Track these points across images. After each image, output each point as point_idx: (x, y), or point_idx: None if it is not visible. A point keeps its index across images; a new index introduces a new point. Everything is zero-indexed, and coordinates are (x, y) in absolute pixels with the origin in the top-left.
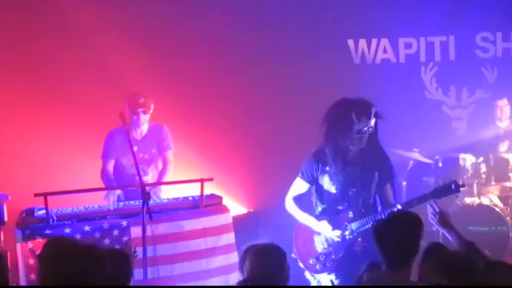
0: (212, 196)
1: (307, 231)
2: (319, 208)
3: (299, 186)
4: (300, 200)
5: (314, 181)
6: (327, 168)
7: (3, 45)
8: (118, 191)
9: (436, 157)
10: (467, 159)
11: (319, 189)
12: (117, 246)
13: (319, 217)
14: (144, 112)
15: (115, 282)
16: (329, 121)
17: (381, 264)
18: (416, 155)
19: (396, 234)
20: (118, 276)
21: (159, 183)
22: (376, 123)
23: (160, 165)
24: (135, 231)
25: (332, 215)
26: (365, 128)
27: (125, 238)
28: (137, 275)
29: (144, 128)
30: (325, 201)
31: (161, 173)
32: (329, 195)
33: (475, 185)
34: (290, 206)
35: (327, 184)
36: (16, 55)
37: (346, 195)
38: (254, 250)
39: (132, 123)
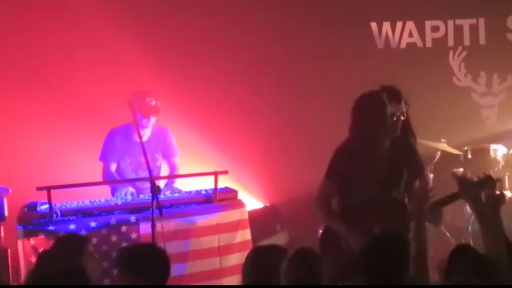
0: (226, 189)
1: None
2: (345, 207)
3: (328, 188)
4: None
5: (341, 180)
6: (355, 165)
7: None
8: (131, 189)
9: (465, 148)
10: (498, 150)
11: (346, 187)
12: (124, 243)
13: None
14: (155, 116)
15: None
16: (358, 112)
17: None
18: (444, 146)
19: (380, 262)
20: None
21: (170, 176)
22: (406, 112)
23: (164, 170)
24: (144, 227)
25: (360, 217)
26: (398, 112)
27: (133, 235)
28: None
29: (148, 130)
30: (353, 200)
31: (169, 180)
32: (356, 194)
33: (506, 178)
34: (321, 210)
35: (355, 182)
36: (16, 44)
37: (375, 194)
38: (290, 257)
39: (139, 125)
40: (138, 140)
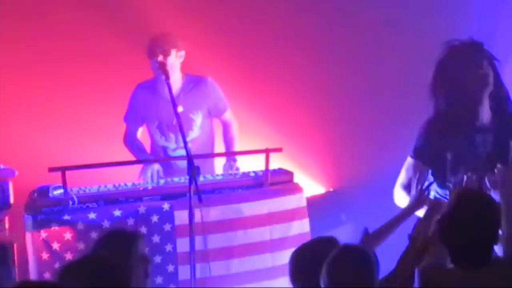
0: (280, 171)
1: None
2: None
3: (414, 170)
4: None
5: (433, 162)
6: (451, 139)
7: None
8: (157, 167)
9: None
10: None
11: (440, 170)
12: (156, 236)
13: None
14: (166, 52)
15: None
16: (444, 75)
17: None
18: None
19: (468, 221)
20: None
21: (212, 155)
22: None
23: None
24: (180, 217)
25: None
26: (486, 70)
27: (167, 226)
28: (183, 273)
29: (176, 81)
30: (449, 185)
31: (228, 141)
32: (455, 177)
33: None
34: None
35: (452, 162)
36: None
37: (479, 174)
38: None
39: (158, 77)
40: (163, 97)
